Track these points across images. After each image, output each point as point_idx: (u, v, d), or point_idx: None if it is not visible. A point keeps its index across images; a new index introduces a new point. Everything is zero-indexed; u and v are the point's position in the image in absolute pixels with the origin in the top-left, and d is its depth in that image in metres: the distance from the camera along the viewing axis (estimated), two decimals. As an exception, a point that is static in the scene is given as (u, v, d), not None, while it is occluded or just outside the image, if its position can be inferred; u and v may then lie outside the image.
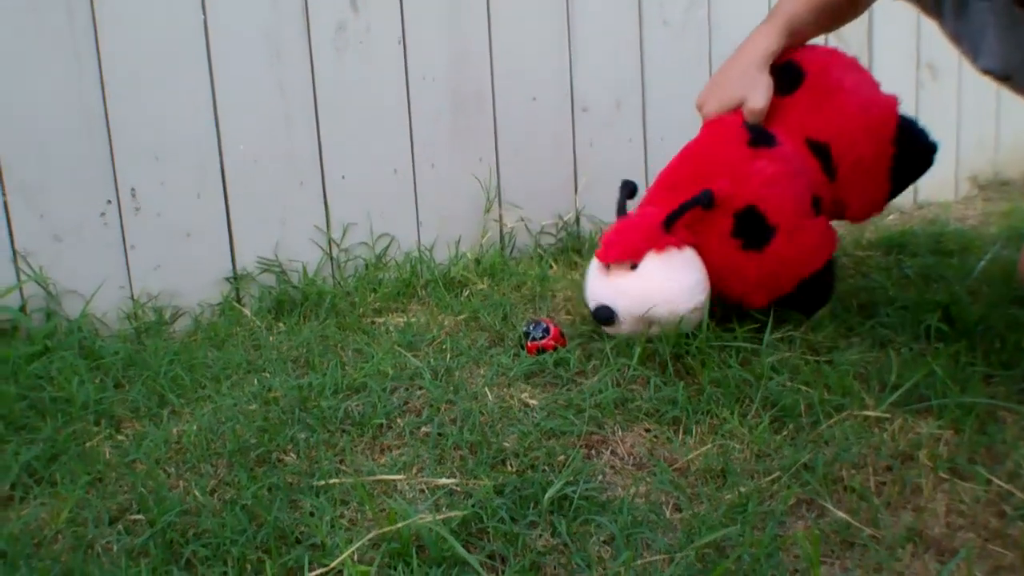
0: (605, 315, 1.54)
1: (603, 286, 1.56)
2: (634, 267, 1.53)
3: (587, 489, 1.15)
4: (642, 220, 1.57)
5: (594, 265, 1.60)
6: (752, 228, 1.55)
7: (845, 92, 1.71)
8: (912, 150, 1.72)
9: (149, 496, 1.16)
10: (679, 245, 1.53)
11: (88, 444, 1.35)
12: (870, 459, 1.21)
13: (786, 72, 1.72)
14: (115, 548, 1.08)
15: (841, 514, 1.11)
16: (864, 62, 2.92)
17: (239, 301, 1.97)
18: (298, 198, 2.04)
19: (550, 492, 1.12)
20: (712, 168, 1.59)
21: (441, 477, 1.20)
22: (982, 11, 1.48)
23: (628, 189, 1.69)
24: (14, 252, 1.74)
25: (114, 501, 1.18)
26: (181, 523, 1.11)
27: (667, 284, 1.52)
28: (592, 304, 1.57)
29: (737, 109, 1.67)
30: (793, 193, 1.58)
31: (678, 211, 1.53)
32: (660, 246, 1.52)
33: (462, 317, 1.81)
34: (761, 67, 1.68)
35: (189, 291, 1.92)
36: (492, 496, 1.12)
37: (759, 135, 1.62)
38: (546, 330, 1.60)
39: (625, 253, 1.53)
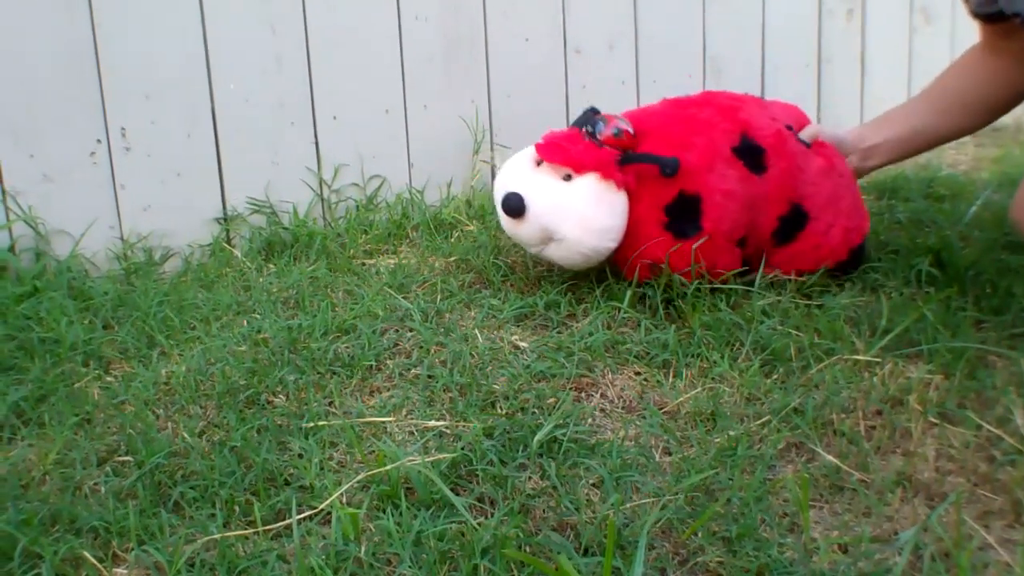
0: (515, 203, 1.46)
1: (526, 179, 1.50)
2: (568, 178, 1.47)
3: (577, 432, 1.15)
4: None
5: (525, 155, 1.55)
6: (684, 214, 1.48)
7: (847, 181, 1.63)
8: (851, 265, 1.63)
9: (137, 437, 1.15)
10: (620, 186, 1.46)
11: (76, 385, 1.34)
12: (860, 403, 1.21)
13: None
14: (103, 489, 1.08)
15: (830, 458, 1.11)
16: (858, 9, 2.92)
17: (229, 242, 1.96)
18: (289, 139, 2.02)
19: (539, 435, 1.12)
20: (692, 140, 1.51)
21: (430, 419, 1.20)
22: None
23: (590, 112, 1.57)
24: (3, 192, 1.72)
25: (102, 442, 1.18)
26: (169, 464, 1.11)
27: (591, 211, 1.45)
28: (505, 190, 1.50)
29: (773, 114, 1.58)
30: (733, 218, 1.50)
31: (643, 157, 1.47)
32: (606, 175, 1.45)
33: (452, 259, 1.80)
34: None
35: (179, 232, 1.91)
36: (481, 438, 1.11)
37: (752, 152, 1.54)
38: (604, 123, 1.49)
39: (570, 161, 1.47)
